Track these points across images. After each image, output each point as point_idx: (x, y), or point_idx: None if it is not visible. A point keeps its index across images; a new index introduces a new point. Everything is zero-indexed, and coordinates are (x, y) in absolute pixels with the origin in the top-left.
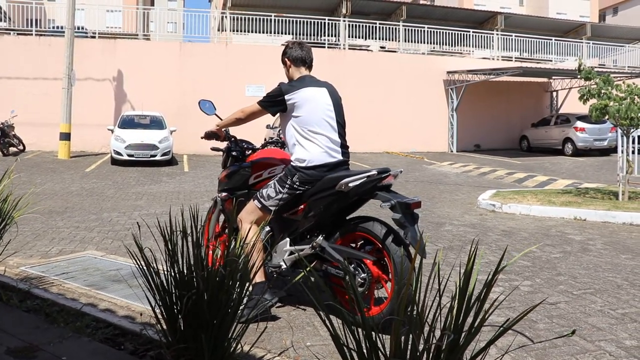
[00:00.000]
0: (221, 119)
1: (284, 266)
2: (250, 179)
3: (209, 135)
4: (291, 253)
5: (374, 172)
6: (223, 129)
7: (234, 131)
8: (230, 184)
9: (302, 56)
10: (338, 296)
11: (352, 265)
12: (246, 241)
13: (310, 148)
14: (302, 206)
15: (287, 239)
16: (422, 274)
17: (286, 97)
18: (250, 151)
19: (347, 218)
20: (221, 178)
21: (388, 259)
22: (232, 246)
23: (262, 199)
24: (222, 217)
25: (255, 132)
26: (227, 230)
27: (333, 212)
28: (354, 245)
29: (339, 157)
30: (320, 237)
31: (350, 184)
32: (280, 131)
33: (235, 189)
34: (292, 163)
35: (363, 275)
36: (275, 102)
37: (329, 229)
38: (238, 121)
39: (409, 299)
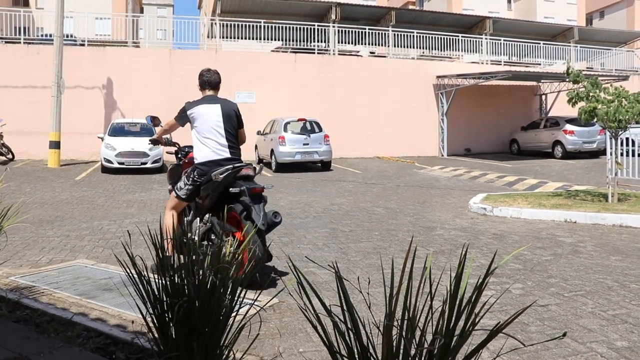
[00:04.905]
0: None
1: (195, 239)
2: (182, 175)
3: (153, 142)
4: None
5: (231, 165)
6: (163, 136)
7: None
8: (172, 179)
9: (206, 80)
10: None
11: (230, 237)
12: (166, 222)
13: (202, 149)
14: (202, 193)
15: (197, 219)
16: (412, 278)
17: (188, 112)
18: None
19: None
20: (167, 174)
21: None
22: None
23: (176, 190)
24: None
25: (251, 137)
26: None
27: (219, 197)
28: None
29: (226, 155)
30: (208, 215)
31: (220, 175)
32: None
33: (175, 182)
34: (194, 161)
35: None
36: (182, 116)
37: (219, 210)
38: (165, 131)
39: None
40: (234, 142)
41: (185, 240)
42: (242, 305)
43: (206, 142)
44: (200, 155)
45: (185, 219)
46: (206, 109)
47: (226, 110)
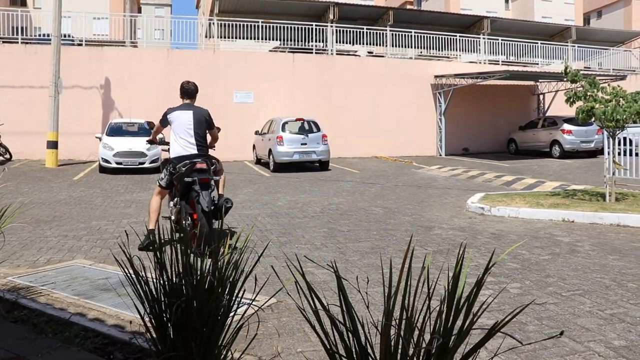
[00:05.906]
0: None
1: (172, 218)
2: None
3: (150, 142)
4: None
5: (188, 160)
6: (156, 137)
7: None
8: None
9: (184, 91)
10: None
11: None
12: (151, 205)
13: (175, 146)
14: (174, 182)
15: (172, 202)
16: (411, 277)
17: (167, 116)
18: None
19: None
20: (161, 166)
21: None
22: (220, 253)
23: (158, 180)
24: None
25: (249, 137)
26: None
27: (187, 185)
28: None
29: (193, 151)
30: (177, 199)
31: (183, 168)
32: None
33: None
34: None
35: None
36: (164, 119)
37: (187, 196)
38: (155, 133)
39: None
40: (201, 142)
41: (167, 218)
42: (240, 305)
43: (179, 141)
44: (174, 151)
45: (171, 203)
46: (181, 114)
47: (197, 116)
